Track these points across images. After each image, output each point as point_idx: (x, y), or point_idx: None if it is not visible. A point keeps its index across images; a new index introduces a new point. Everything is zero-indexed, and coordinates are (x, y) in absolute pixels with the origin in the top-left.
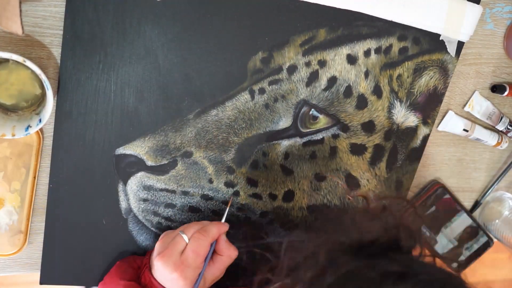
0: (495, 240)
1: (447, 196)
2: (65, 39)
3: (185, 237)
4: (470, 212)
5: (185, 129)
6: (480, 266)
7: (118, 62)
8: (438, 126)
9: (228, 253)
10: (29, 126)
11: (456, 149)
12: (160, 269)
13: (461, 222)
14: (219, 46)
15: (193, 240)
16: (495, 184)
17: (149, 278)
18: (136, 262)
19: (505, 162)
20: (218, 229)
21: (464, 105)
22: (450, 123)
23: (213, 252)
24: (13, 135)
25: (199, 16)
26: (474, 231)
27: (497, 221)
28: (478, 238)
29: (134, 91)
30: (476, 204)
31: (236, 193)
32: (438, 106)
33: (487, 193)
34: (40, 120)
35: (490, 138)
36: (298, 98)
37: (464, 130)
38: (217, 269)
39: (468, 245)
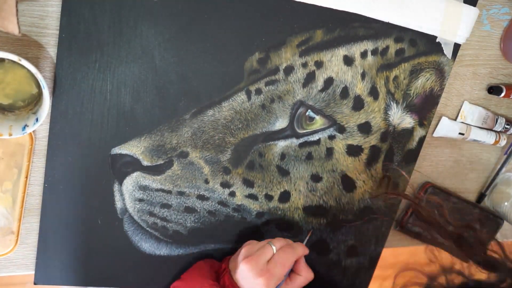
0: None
1: (439, 193)
2: (61, 38)
3: (274, 248)
4: (477, 203)
5: (181, 129)
6: None
7: (115, 61)
8: (433, 132)
9: (306, 274)
10: (26, 126)
11: (453, 150)
12: (245, 272)
13: (465, 213)
14: (216, 47)
15: (282, 252)
16: (499, 173)
17: (230, 281)
18: (214, 266)
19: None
20: (303, 249)
21: (457, 116)
22: (445, 129)
23: (291, 271)
24: (10, 135)
25: (196, 16)
26: (480, 216)
27: (506, 203)
28: (486, 222)
29: (130, 91)
30: (481, 196)
31: (232, 194)
32: (435, 108)
33: (492, 185)
34: (37, 120)
35: (488, 138)
36: (295, 99)
37: (460, 133)
38: (292, 287)
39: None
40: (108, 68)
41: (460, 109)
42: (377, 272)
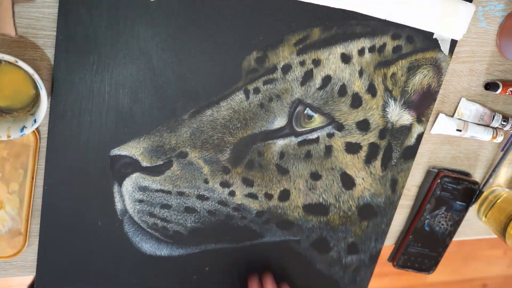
0: (491, 236)
1: (453, 181)
2: (58, 40)
3: None
4: (471, 203)
5: (180, 129)
6: (475, 262)
7: (112, 63)
8: (431, 129)
9: None
10: (24, 127)
11: (451, 146)
12: None
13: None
14: (214, 46)
15: None
16: (495, 170)
17: None
18: None
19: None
20: None
21: (454, 112)
22: (443, 125)
23: None
24: (9, 137)
25: (193, 16)
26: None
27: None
28: None
29: (129, 92)
30: (478, 193)
31: (232, 193)
32: (432, 104)
33: (488, 179)
34: (35, 121)
35: (485, 134)
36: (293, 98)
37: (458, 130)
38: None
39: None
40: (106, 70)
41: (457, 106)
42: (376, 269)
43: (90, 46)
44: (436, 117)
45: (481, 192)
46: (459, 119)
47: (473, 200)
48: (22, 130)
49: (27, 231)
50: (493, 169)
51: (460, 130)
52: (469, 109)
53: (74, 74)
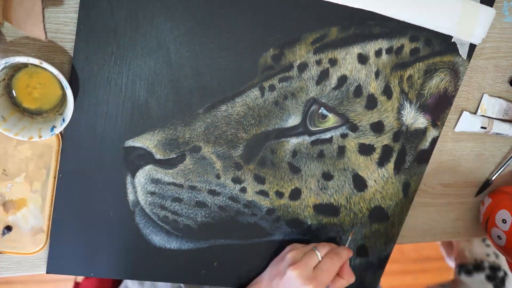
0: None
1: None
2: (78, 30)
3: (319, 255)
4: (478, 193)
5: (194, 123)
6: None
7: (131, 54)
8: (455, 127)
9: (349, 278)
10: (54, 127)
11: (475, 144)
12: (293, 279)
13: None
14: (231, 42)
15: (328, 259)
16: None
17: None
18: None
19: None
20: (347, 253)
21: (477, 109)
22: (467, 123)
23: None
24: (40, 137)
25: (211, 11)
26: None
27: None
28: None
29: (145, 84)
30: (487, 183)
31: (243, 190)
32: (448, 109)
33: (499, 171)
34: (63, 120)
35: (510, 130)
36: (308, 96)
37: (482, 127)
38: None
39: None
40: (124, 61)
41: (479, 102)
42: (398, 267)
43: (109, 37)
44: (460, 115)
45: (489, 182)
46: (482, 115)
47: (480, 189)
48: (52, 130)
49: (48, 229)
50: (506, 161)
51: (485, 128)
52: (492, 105)
53: (93, 65)
